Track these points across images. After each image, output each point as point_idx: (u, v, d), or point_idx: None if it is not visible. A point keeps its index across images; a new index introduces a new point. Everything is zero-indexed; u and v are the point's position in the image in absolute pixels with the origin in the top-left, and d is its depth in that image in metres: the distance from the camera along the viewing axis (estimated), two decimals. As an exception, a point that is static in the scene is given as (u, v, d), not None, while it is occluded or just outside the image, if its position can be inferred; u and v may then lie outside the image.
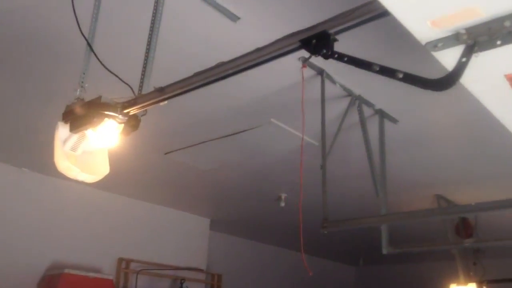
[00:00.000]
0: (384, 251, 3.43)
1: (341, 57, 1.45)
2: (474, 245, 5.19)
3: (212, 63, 1.77)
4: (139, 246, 5.53)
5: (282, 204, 5.32)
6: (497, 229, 5.50)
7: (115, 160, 2.11)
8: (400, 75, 1.31)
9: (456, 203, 5.07)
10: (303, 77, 2.11)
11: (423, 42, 1.13)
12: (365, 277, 9.22)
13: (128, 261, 5.32)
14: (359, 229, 5.69)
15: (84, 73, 2.03)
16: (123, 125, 1.86)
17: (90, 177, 1.93)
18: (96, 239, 5.12)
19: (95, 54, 2.02)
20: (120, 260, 5.27)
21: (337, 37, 1.46)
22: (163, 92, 1.80)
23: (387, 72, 1.34)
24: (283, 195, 5.29)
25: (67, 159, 1.87)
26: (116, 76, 2.00)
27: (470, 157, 4.09)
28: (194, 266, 5.98)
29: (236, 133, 3.79)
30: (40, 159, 4.36)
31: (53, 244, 4.77)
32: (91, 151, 1.90)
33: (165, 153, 4.26)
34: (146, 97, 1.85)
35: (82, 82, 2.00)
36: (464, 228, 5.25)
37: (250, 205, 5.85)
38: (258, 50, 1.59)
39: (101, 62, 2.00)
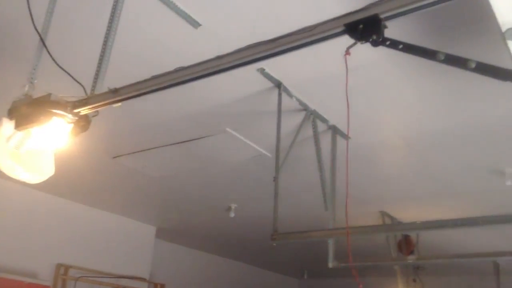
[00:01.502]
0: (330, 264, 3.48)
1: (394, 44, 1.28)
2: (416, 262, 5.36)
3: (170, 68, 1.74)
4: (80, 252, 5.32)
5: (232, 214, 5.29)
6: (437, 247, 5.73)
7: (59, 161, 2.01)
8: (473, 65, 1.15)
9: (399, 220, 5.23)
10: (346, 65, 1.97)
11: (504, 27, 1.02)
12: (308, 290, 9.31)
13: (67, 267, 5.10)
14: (306, 242, 5.76)
15: (34, 69, 1.93)
16: (72, 125, 1.78)
17: (33, 178, 1.83)
18: (34, 242, 4.88)
19: (47, 50, 1.94)
20: (59, 265, 5.04)
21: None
22: (117, 94, 1.74)
23: (456, 61, 1.19)
24: (233, 206, 5.27)
25: (10, 157, 1.77)
26: (68, 73, 1.93)
27: (413, 177, 4.24)
28: (137, 274, 5.82)
29: (189, 141, 3.74)
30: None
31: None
32: (36, 150, 1.80)
33: (114, 157, 4.13)
34: (99, 97, 1.79)
35: (32, 78, 1.91)
36: (406, 245, 5.42)
37: (199, 214, 5.77)
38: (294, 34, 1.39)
39: (53, 59, 1.92)
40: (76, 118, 1.76)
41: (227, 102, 3.20)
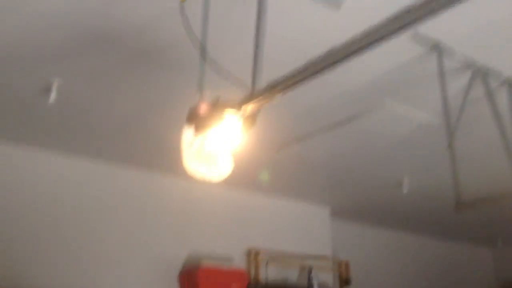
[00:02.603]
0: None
1: None
2: None
3: (315, 51, 1.76)
4: (265, 236, 5.72)
5: (406, 187, 5.12)
6: None
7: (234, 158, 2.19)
8: None
9: None
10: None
11: None
12: (505, 260, 8.49)
13: (257, 251, 5.53)
14: (495, 208, 5.28)
15: (201, 78, 2.15)
16: (242, 123, 1.94)
17: (216, 176, 2.04)
18: (226, 232, 5.42)
19: (210, 62, 2.13)
20: (249, 250, 5.51)
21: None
22: (277, 86, 1.83)
23: None
24: (406, 179, 5.09)
25: (195, 161, 2.00)
26: (231, 76, 2.09)
27: None
28: (319, 254, 6.02)
29: (350, 120, 3.73)
30: (170, 162, 4.70)
31: (189, 239, 5.15)
32: (215, 151, 2.00)
33: (279, 147, 4.33)
34: (261, 93, 1.90)
35: (201, 86, 2.12)
36: None
37: (371, 191, 5.71)
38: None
39: (216, 68, 2.10)
40: (244, 115, 1.91)
41: (382, 74, 3.10)
